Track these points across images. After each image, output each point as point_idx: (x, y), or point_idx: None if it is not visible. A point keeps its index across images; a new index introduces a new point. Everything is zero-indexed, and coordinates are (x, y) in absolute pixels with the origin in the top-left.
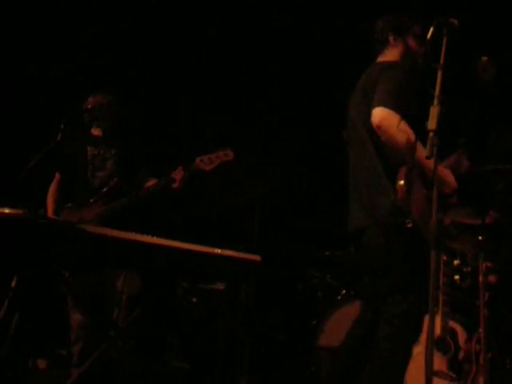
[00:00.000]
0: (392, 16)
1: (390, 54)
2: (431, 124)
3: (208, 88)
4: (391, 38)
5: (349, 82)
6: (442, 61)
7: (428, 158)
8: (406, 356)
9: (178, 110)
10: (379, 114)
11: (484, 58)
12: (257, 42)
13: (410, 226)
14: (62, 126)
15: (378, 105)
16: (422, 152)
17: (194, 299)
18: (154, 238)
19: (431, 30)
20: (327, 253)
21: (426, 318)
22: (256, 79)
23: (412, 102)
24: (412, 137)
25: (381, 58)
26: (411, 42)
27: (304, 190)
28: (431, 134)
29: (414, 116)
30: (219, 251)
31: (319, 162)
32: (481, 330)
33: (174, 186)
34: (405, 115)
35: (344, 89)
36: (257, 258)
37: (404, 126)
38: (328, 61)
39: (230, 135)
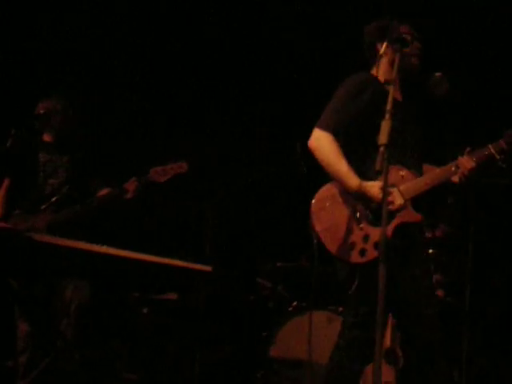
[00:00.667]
0: (376, 23)
1: (382, 64)
2: (382, 138)
3: (163, 98)
4: (379, 46)
5: (309, 92)
6: (393, 75)
7: (378, 172)
8: (353, 370)
9: (133, 120)
10: (312, 136)
11: (437, 74)
12: (211, 52)
13: (315, 241)
14: (13, 131)
15: (316, 125)
16: (339, 167)
17: (145, 309)
18: (105, 247)
19: (384, 45)
20: (279, 264)
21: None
22: (213, 88)
23: (359, 116)
24: (336, 157)
25: (372, 71)
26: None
27: (256, 201)
28: (382, 149)
29: (366, 128)
30: (170, 261)
31: (273, 172)
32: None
33: (127, 196)
34: (348, 131)
35: (305, 99)
36: (208, 268)
37: (330, 146)
38: (284, 68)
39: (185, 146)
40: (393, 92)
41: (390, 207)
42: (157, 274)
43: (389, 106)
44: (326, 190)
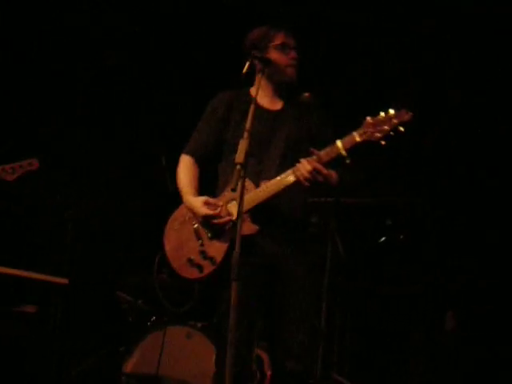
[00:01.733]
0: (250, 34)
1: (258, 77)
2: (239, 157)
3: (23, 93)
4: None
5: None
6: (255, 94)
7: (233, 190)
8: None
9: None
10: None
11: (306, 94)
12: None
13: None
14: None
15: None
16: (179, 184)
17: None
18: None
19: (247, 64)
20: (137, 277)
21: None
22: (78, 87)
23: (215, 135)
24: (180, 175)
25: (252, 87)
26: (274, 55)
27: (118, 213)
28: (238, 167)
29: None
30: (24, 273)
31: (138, 184)
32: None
33: None
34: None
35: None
36: (65, 281)
37: (180, 166)
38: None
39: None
40: (252, 111)
41: (220, 221)
42: (11, 286)
43: (248, 125)
44: (179, 210)
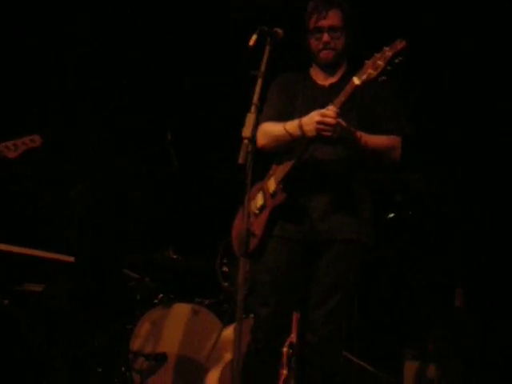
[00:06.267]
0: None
1: None
2: (246, 131)
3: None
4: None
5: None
6: (262, 69)
7: (241, 165)
8: None
9: None
10: None
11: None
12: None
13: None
14: None
15: None
16: (276, 132)
17: (6, 301)
18: None
19: (254, 37)
20: (145, 255)
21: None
22: (81, 68)
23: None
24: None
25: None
26: (310, 41)
27: (125, 191)
28: (246, 141)
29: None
30: (31, 251)
31: (143, 162)
32: (293, 334)
33: None
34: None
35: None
36: (71, 258)
37: (266, 125)
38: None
39: (46, 124)
40: (260, 85)
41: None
42: (17, 264)
43: (255, 99)
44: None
